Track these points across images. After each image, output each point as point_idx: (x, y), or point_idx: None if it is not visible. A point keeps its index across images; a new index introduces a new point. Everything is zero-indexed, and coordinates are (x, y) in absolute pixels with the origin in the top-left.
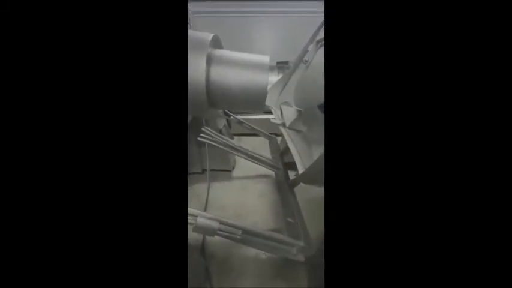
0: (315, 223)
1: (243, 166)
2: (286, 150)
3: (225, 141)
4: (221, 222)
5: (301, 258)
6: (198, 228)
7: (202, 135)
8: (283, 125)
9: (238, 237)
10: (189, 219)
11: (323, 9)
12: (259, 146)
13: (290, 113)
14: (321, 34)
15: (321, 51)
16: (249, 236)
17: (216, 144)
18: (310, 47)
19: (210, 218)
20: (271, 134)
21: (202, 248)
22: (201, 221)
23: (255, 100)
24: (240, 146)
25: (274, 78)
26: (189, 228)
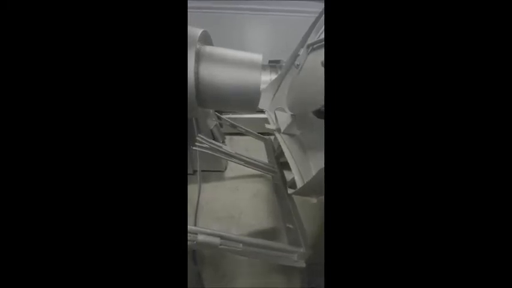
0: (307, 221)
1: (235, 166)
2: (282, 151)
3: (218, 147)
4: (222, 237)
5: (302, 264)
6: (200, 245)
7: (197, 144)
8: (278, 130)
9: (239, 249)
10: (189, 237)
11: (315, 10)
12: (252, 144)
13: (284, 118)
14: (312, 38)
15: (312, 56)
16: (250, 248)
17: (211, 152)
18: (301, 51)
19: (210, 234)
20: (264, 133)
21: (193, 252)
22: (201, 238)
23: (247, 100)
24: (236, 153)
25: (266, 77)
26: None
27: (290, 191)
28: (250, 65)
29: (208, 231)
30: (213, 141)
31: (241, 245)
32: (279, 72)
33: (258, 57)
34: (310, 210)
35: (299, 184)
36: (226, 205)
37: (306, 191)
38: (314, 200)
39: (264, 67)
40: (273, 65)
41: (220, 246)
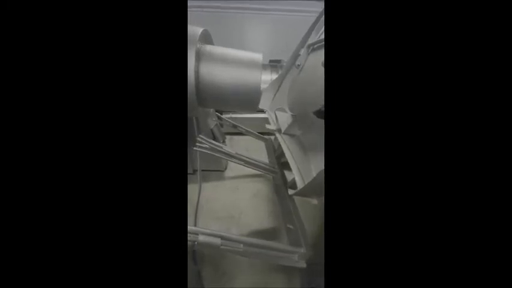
0: (308, 221)
1: (235, 166)
2: (283, 151)
3: (219, 148)
4: (223, 238)
5: (303, 264)
6: (201, 246)
7: (198, 144)
8: (279, 131)
9: (240, 250)
10: (190, 237)
11: (316, 9)
12: (253, 144)
13: (285, 118)
14: (312, 38)
15: (313, 56)
16: (250, 248)
17: (212, 153)
18: (302, 51)
19: (211, 235)
20: (264, 133)
21: (193, 252)
22: (202, 238)
23: (247, 99)
24: (236, 153)
25: (266, 77)
26: None
27: (290, 191)
28: (251, 65)
29: (209, 231)
30: (214, 142)
31: (242, 245)
32: (280, 72)
33: (258, 57)
34: (311, 210)
35: (299, 185)
36: (226, 205)
37: (307, 192)
38: (315, 201)
39: (264, 66)
40: (273, 64)
41: (221, 247)
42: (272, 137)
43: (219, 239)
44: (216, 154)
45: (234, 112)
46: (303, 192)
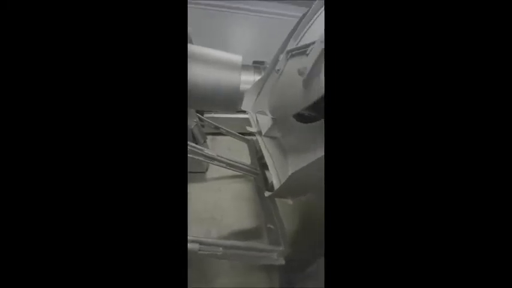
0: (287, 221)
1: (217, 166)
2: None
3: (200, 151)
4: (201, 243)
5: (282, 261)
6: None
7: None
8: (260, 133)
9: (219, 253)
10: None
11: (298, 13)
12: (235, 144)
13: (265, 121)
14: (291, 44)
15: (291, 62)
16: (230, 251)
17: (192, 156)
18: (281, 57)
19: (189, 241)
20: (246, 133)
21: None
22: None
23: (226, 100)
24: (217, 155)
25: (249, 77)
26: None
27: (267, 193)
28: (230, 66)
29: (188, 237)
30: (194, 145)
31: (221, 248)
32: (262, 75)
33: (237, 58)
34: (290, 210)
35: (276, 186)
36: (208, 206)
37: (282, 193)
38: (290, 202)
39: (247, 68)
40: (256, 66)
41: (199, 252)
42: (254, 138)
43: (197, 244)
44: (196, 157)
45: (217, 112)
46: (278, 194)
